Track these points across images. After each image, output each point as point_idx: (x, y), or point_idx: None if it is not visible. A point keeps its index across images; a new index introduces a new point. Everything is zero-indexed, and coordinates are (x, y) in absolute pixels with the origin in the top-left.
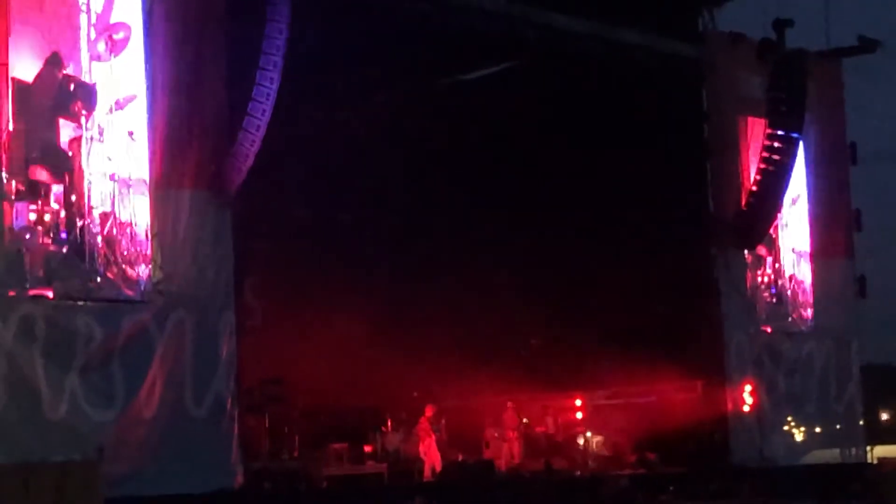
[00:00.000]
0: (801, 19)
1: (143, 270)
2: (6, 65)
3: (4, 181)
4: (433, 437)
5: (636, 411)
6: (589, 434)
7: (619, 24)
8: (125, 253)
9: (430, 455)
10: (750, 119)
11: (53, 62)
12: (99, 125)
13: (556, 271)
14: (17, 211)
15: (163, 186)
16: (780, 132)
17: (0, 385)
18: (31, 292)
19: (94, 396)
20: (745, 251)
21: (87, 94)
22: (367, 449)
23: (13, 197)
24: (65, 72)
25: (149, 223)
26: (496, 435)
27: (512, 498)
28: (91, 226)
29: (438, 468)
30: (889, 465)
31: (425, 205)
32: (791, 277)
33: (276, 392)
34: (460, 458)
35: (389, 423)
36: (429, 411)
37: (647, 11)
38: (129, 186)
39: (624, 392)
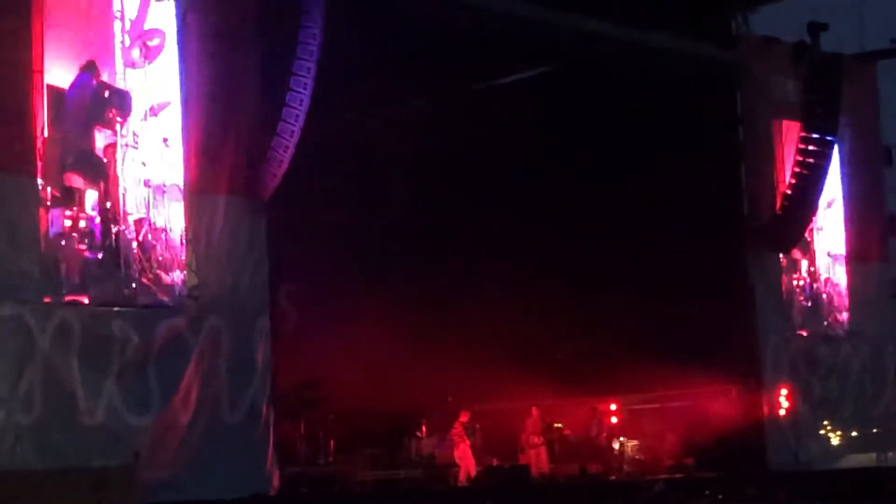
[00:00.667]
0: (835, 22)
1: (177, 276)
2: (41, 72)
3: (40, 188)
4: (468, 442)
5: (672, 416)
6: (623, 438)
7: (652, 28)
8: (160, 259)
9: (465, 460)
10: (785, 122)
11: (88, 69)
12: (133, 132)
13: (592, 275)
14: (52, 217)
15: (197, 192)
16: (814, 135)
17: (37, 391)
18: (67, 298)
19: (130, 402)
20: (781, 255)
21: (121, 101)
22: (403, 454)
23: (49, 203)
24: (100, 79)
25: (183, 229)
26: (526, 440)
27: (546, 503)
28: (126, 232)
29: (473, 473)
30: None
31: (460, 209)
32: (826, 281)
33: (312, 397)
34: (495, 462)
35: (424, 428)
36: (464, 416)
37: (681, 16)
38: (163, 192)
39: (659, 396)
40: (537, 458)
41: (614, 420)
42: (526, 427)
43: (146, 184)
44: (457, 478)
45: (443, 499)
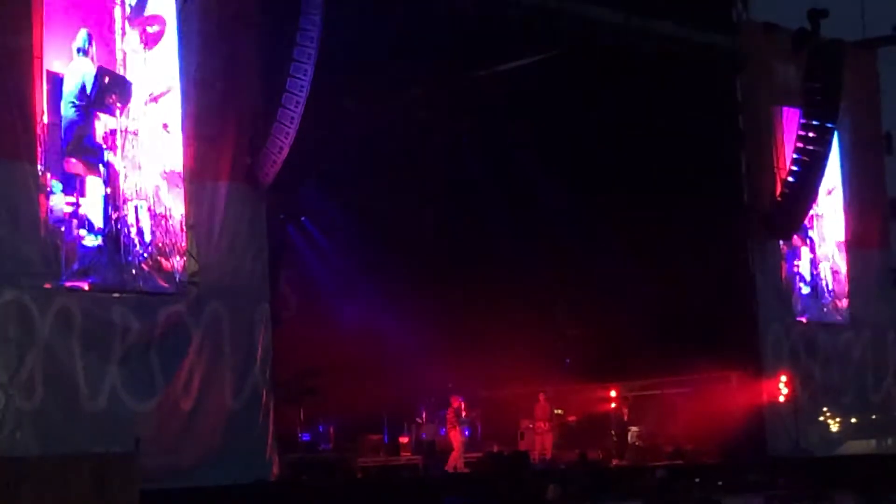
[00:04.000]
0: (835, 9)
1: (178, 262)
2: (41, 58)
3: (40, 174)
4: (457, 428)
5: (672, 402)
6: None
7: (653, 14)
8: (160, 245)
9: (454, 447)
10: (785, 109)
11: (86, 52)
12: (134, 118)
13: (592, 262)
14: (52, 204)
15: (197, 179)
16: (815, 122)
17: (38, 377)
18: (68, 284)
19: (132, 388)
20: (781, 242)
21: (121, 87)
22: (403, 440)
23: (49, 189)
24: (99, 65)
25: (183, 215)
26: (530, 426)
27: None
28: (126, 218)
29: (460, 464)
30: None
31: (461, 195)
32: (827, 268)
33: (312, 384)
34: (495, 448)
35: (424, 415)
36: (454, 402)
37: (681, 2)
38: (164, 179)
39: (660, 383)
40: (542, 444)
41: (613, 406)
42: (534, 413)
43: (146, 170)
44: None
45: (442, 485)
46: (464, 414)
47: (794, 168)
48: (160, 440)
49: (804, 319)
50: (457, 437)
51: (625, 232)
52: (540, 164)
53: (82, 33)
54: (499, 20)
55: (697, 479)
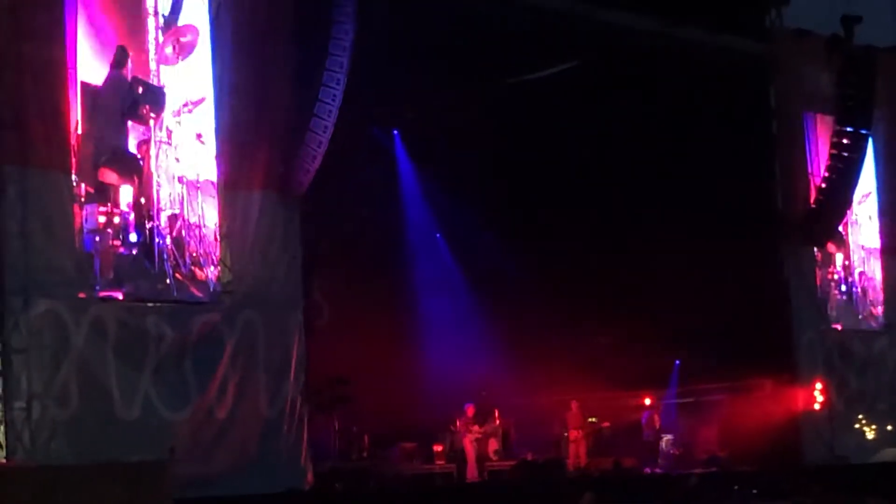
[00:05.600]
0: (869, 15)
1: (212, 272)
2: (75, 69)
3: (74, 184)
4: (469, 437)
5: (706, 410)
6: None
7: (684, 21)
8: (194, 254)
9: (468, 456)
10: (818, 116)
11: (122, 65)
12: (167, 128)
13: (625, 270)
14: (86, 213)
15: (231, 188)
16: (848, 129)
17: (73, 387)
18: (102, 294)
19: (166, 397)
20: (815, 249)
21: (155, 97)
22: (437, 448)
23: (83, 199)
24: (133, 75)
25: (217, 225)
26: (564, 434)
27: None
28: (160, 228)
29: (470, 474)
30: None
31: (487, 203)
32: (861, 275)
33: (345, 392)
34: (530, 457)
35: (458, 423)
36: (469, 411)
37: (713, 9)
38: (197, 188)
39: (693, 391)
40: (577, 452)
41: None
42: (567, 421)
43: (180, 180)
44: (490, 472)
45: (477, 493)
46: (497, 422)
47: (828, 175)
48: (194, 449)
49: (839, 326)
50: (468, 446)
51: (657, 240)
52: (568, 172)
53: (116, 44)
54: (527, 28)
55: (737, 486)
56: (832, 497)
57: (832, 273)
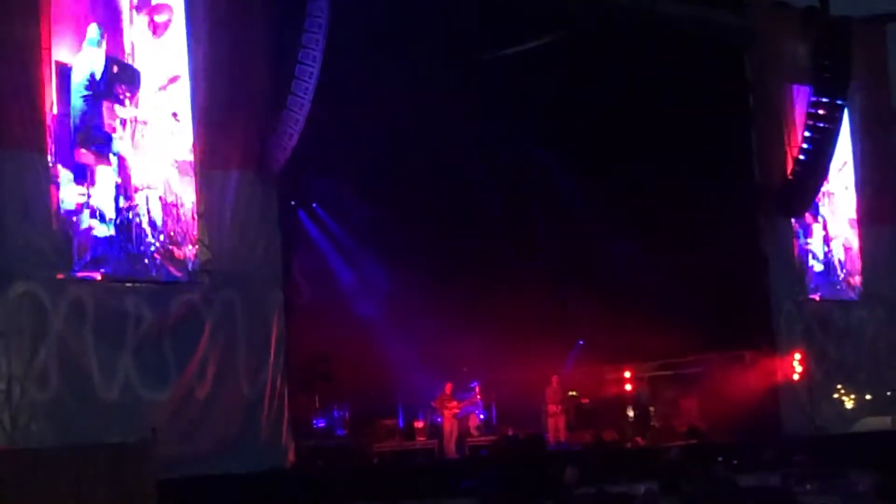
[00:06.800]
0: None
1: (190, 251)
2: (49, 49)
3: (50, 165)
4: (447, 413)
5: (686, 382)
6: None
7: None
8: (172, 234)
9: (447, 432)
10: (795, 87)
11: (96, 45)
12: (143, 107)
13: (603, 243)
14: (63, 194)
15: (208, 167)
16: (824, 99)
17: (52, 368)
18: (80, 275)
19: (146, 377)
20: (792, 219)
21: (130, 76)
22: (418, 425)
23: (59, 180)
24: (108, 54)
25: (195, 203)
26: (544, 409)
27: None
28: (137, 207)
29: (447, 449)
30: None
31: (469, 181)
32: (839, 245)
33: (326, 370)
34: (511, 432)
35: (437, 400)
36: (448, 388)
37: None
38: (174, 167)
39: (673, 364)
40: (556, 426)
41: (629, 388)
42: (546, 396)
43: (156, 159)
44: (470, 447)
45: (459, 469)
46: (478, 398)
47: (805, 146)
48: (175, 429)
49: (817, 297)
50: (446, 422)
51: (635, 212)
52: (548, 146)
53: (92, 25)
54: (505, 2)
55: (720, 458)
56: (812, 467)
57: (810, 244)
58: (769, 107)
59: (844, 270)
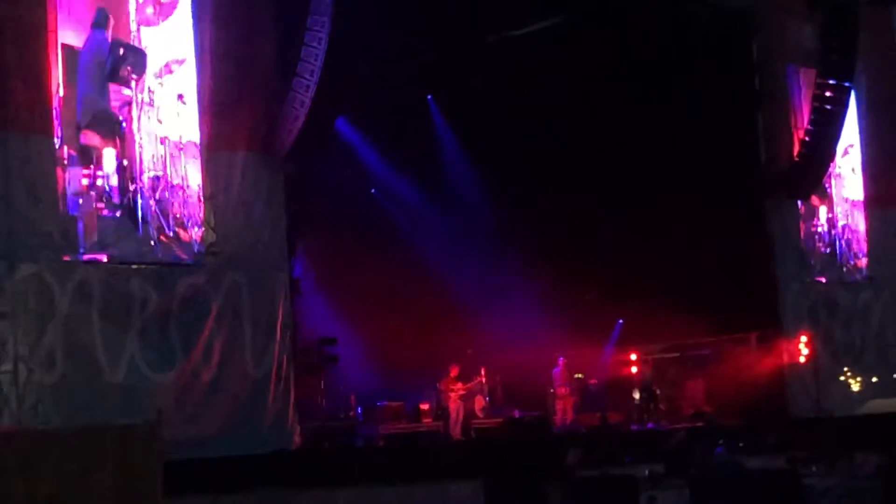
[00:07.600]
0: None
1: (196, 233)
2: (55, 31)
3: (57, 147)
4: (452, 395)
5: (691, 365)
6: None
7: None
8: (178, 216)
9: (453, 414)
10: (801, 69)
11: (100, 21)
12: (149, 89)
13: (609, 225)
14: (69, 176)
15: (214, 149)
16: (831, 81)
17: (59, 350)
18: (86, 257)
19: (152, 359)
20: (799, 202)
21: (136, 59)
22: (424, 406)
23: (65, 162)
24: (114, 37)
25: (201, 186)
26: (551, 391)
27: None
28: (143, 190)
29: (454, 433)
30: None
31: (473, 162)
32: (845, 227)
33: (332, 351)
34: (517, 414)
35: (442, 382)
36: (453, 371)
37: None
38: (180, 150)
39: (679, 346)
40: (564, 408)
41: (635, 370)
42: (553, 378)
43: (162, 141)
44: (475, 430)
45: (463, 450)
46: (484, 380)
47: (811, 128)
48: (181, 410)
49: (823, 279)
50: (451, 404)
51: (641, 195)
52: (552, 128)
53: (98, 7)
54: None
55: (722, 441)
56: (818, 449)
57: (816, 226)
58: (775, 89)
59: (851, 253)
